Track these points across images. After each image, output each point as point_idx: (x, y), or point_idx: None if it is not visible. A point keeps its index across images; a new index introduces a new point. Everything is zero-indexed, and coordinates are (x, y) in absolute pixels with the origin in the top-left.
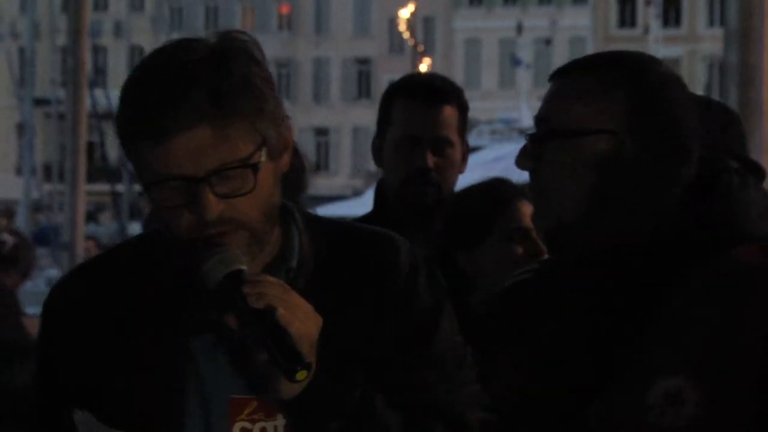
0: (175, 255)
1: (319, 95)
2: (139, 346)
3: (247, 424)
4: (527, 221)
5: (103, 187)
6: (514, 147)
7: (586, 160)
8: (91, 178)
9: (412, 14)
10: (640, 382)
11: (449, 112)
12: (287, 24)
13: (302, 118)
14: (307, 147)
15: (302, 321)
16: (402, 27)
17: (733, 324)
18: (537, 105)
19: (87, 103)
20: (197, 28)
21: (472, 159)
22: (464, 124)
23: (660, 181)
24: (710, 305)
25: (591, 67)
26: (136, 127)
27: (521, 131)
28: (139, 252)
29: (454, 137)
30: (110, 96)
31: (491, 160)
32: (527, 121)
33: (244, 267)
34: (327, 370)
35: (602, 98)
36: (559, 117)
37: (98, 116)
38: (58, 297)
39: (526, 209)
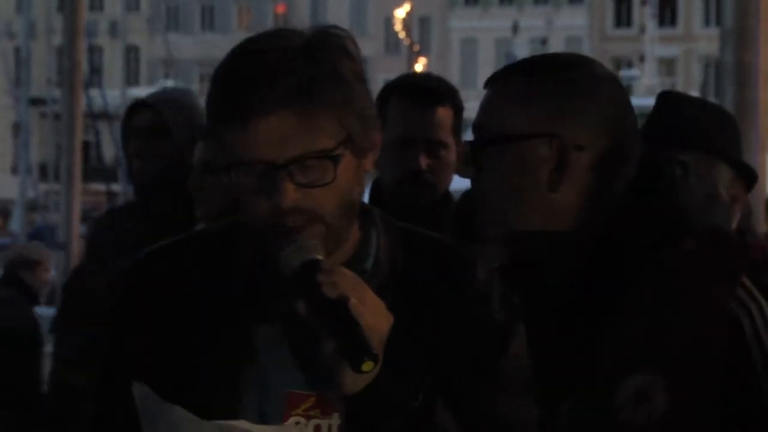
0: (249, 244)
1: None
2: (204, 330)
3: (302, 419)
4: None
5: (99, 186)
6: None
7: (524, 164)
8: (87, 177)
9: (408, 14)
10: (607, 381)
11: (443, 114)
12: (283, 23)
13: None
14: None
15: (373, 315)
16: (398, 27)
17: (681, 314)
18: None
19: (83, 102)
20: (193, 28)
21: None
22: (459, 124)
23: (599, 181)
24: (660, 298)
25: (524, 71)
26: (221, 108)
27: None
28: (218, 238)
29: (449, 139)
30: (106, 96)
31: None
32: None
33: (320, 257)
34: (391, 371)
35: (536, 101)
36: (495, 123)
37: (94, 116)
38: (133, 275)
39: None
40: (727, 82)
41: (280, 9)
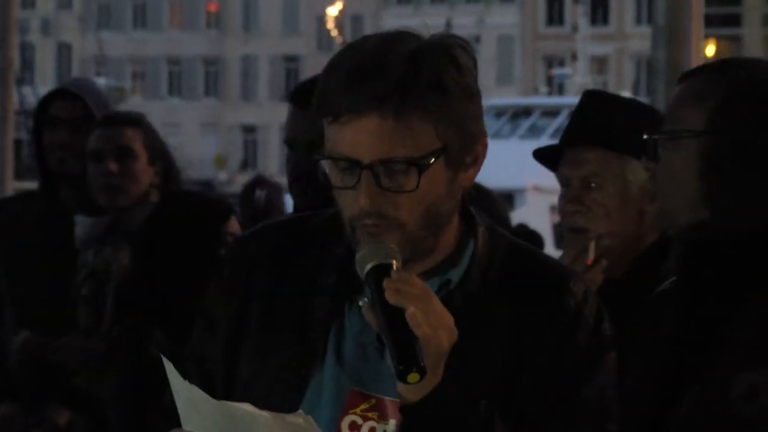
0: (346, 235)
1: (247, 93)
2: (287, 312)
3: (358, 419)
4: None
5: (32, 185)
6: None
7: (692, 160)
8: (19, 175)
9: (341, 12)
10: (725, 376)
11: None
12: (215, 22)
13: (230, 115)
14: (235, 144)
15: (433, 328)
16: (330, 25)
17: None
18: None
19: (14, 100)
20: (125, 26)
21: None
22: None
23: (760, 180)
24: None
25: (701, 71)
26: (322, 101)
27: None
28: (323, 225)
29: None
30: (38, 93)
31: None
32: None
33: (395, 263)
34: (452, 385)
35: (705, 100)
36: (670, 119)
37: (26, 113)
38: (239, 245)
39: None
40: (659, 80)
41: (213, 7)
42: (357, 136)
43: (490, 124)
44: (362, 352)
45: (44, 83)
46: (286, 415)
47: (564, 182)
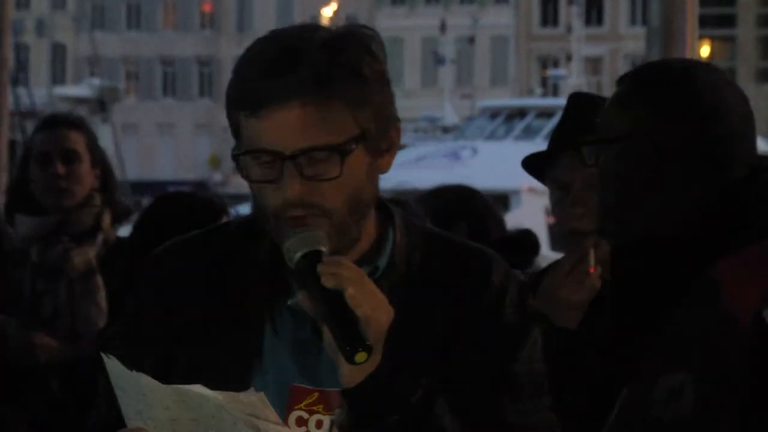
0: (265, 238)
1: None
2: (217, 322)
3: (304, 414)
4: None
5: None
6: (437, 145)
7: (620, 164)
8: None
9: (335, 13)
10: (649, 377)
11: None
12: (209, 22)
13: (224, 116)
14: (230, 145)
15: (372, 307)
16: None
17: (714, 319)
18: (460, 103)
19: (9, 101)
20: (119, 26)
21: (396, 157)
22: None
23: (687, 184)
24: (701, 301)
25: (633, 77)
26: (237, 96)
27: (444, 129)
28: (240, 231)
29: None
30: (32, 94)
31: (414, 158)
32: (450, 119)
33: (324, 249)
34: (391, 366)
35: (642, 106)
36: (603, 124)
37: (21, 114)
38: (151, 267)
39: None
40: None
41: (207, 8)
42: (277, 128)
43: (484, 125)
44: (299, 348)
45: (38, 84)
46: (239, 394)
47: (561, 186)
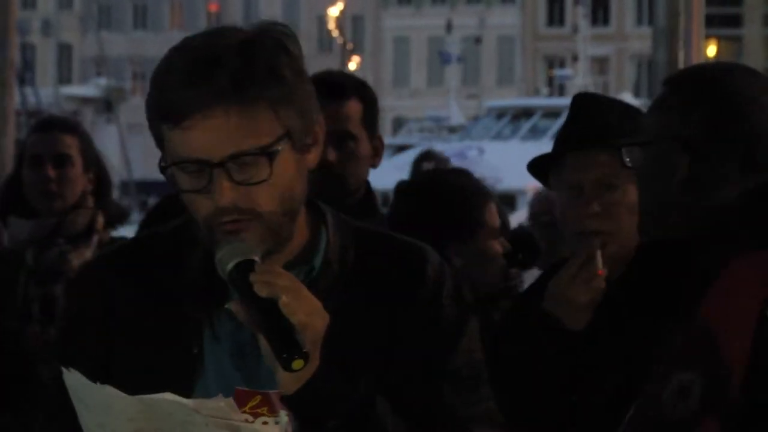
0: (199, 243)
1: None
2: (156, 329)
3: (249, 417)
4: (498, 220)
5: None
6: (443, 145)
7: (656, 164)
8: None
9: (341, 12)
10: (662, 376)
11: (350, 106)
12: (216, 22)
13: None
14: None
15: (307, 314)
16: (331, 25)
17: (722, 319)
18: (466, 103)
19: (15, 100)
20: (125, 26)
21: (403, 157)
22: (372, 118)
23: (717, 184)
24: (710, 300)
25: (671, 81)
26: (158, 108)
27: (450, 129)
28: (170, 239)
29: (357, 131)
30: (38, 93)
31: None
32: (456, 118)
33: (256, 258)
34: (331, 369)
35: (676, 107)
36: (643, 125)
37: (27, 114)
38: (85, 276)
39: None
40: (660, 81)
41: (213, 8)
42: (203, 136)
43: (491, 125)
44: (239, 351)
45: (45, 84)
46: (207, 400)
47: (572, 186)
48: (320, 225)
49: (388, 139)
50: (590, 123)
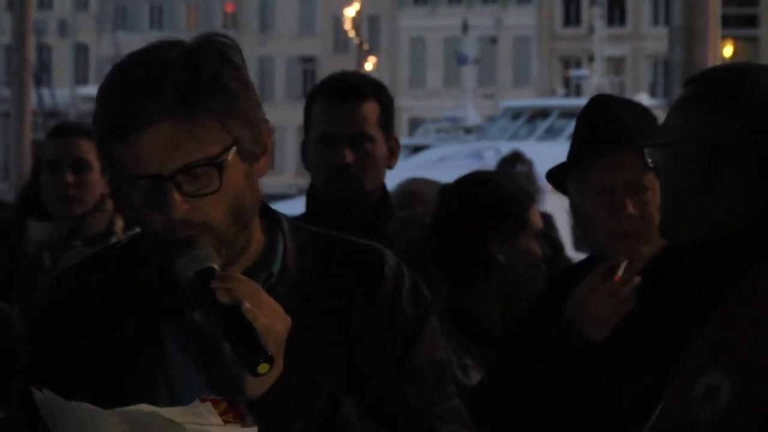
0: (153, 255)
1: (264, 94)
2: (115, 343)
3: (223, 421)
4: (540, 223)
5: None
6: (459, 146)
7: (679, 165)
8: None
9: (358, 13)
10: (690, 376)
11: (367, 108)
12: (232, 23)
13: None
14: None
15: (269, 318)
16: (347, 26)
17: (760, 321)
18: (482, 103)
19: (32, 101)
20: (142, 26)
21: (419, 158)
22: (388, 119)
23: (740, 185)
24: (748, 302)
25: (693, 81)
26: (104, 125)
27: (467, 130)
28: (123, 253)
29: (375, 132)
30: (55, 94)
31: (437, 159)
32: (473, 119)
33: (215, 266)
34: (295, 373)
35: (698, 107)
36: (665, 126)
37: (43, 114)
38: (43, 297)
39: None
40: (676, 81)
41: (229, 8)
42: (150, 151)
43: (506, 125)
44: (201, 360)
45: (61, 84)
46: (183, 408)
47: (602, 190)
48: (276, 231)
49: (404, 140)
50: (617, 124)
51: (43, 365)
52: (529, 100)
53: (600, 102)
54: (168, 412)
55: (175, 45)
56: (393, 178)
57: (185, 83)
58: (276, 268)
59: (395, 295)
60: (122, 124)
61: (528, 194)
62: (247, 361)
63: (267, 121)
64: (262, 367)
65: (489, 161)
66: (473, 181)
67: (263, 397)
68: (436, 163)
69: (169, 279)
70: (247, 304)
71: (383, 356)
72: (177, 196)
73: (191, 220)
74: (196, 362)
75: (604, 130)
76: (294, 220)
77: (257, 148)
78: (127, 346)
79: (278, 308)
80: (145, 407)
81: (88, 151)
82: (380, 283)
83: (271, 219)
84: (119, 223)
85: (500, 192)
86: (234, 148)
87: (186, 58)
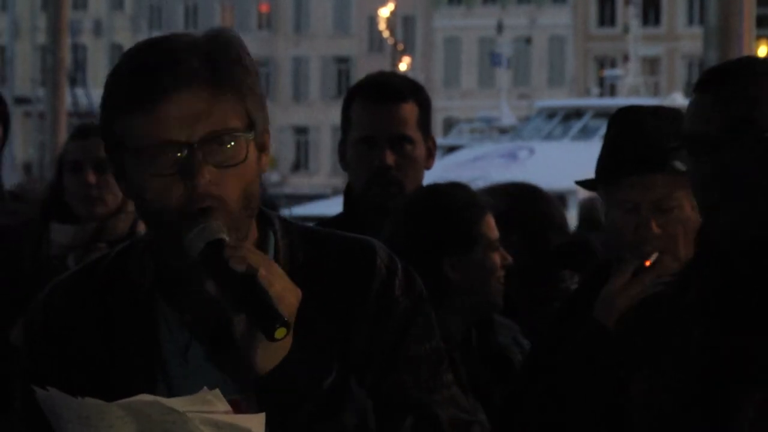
0: (151, 256)
1: (298, 94)
2: (113, 349)
3: (230, 409)
4: (496, 233)
5: None
6: (493, 146)
7: (715, 166)
8: None
9: (392, 13)
10: (743, 393)
11: (407, 109)
12: (267, 23)
13: (282, 116)
14: (287, 145)
15: (282, 287)
16: (382, 26)
17: None
18: (516, 104)
19: (67, 101)
20: (177, 26)
21: (452, 158)
22: (427, 120)
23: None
24: None
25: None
26: (128, 94)
27: (501, 130)
28: (116, 261)
29: (414, 134)
30: (90, 94)
31: (471, 159)
32: (507, 119)
33: (225, 236)
34: (299, 356)
35: (732, 104)
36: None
37: (78, 115)
38: (37, 309)
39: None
40: None
41: (264, 8)
42: (177, 117)
43: (541, 125)
44: (189, 364)
45: (96, 84)
46: (187, 397)
47: (628, 208)
48: (267, 229)
49: (438, 140)
50: (646, 144)
51: (42, 373)
52: (563, 100)
53: (629, 117)
54: (171, 401)
55: (190, 33)
56: (427, 178)
57: (212, 54)
58: None
59: (388, 287)
60: (150, 91)
61: (480, 207)
62: (264, 326)
63: (268, 122)
64: (280, 332)
65: (523, 161)
66: (422, 199)
67: (272, 375)
68: (471, 162)
69: (170, 276)
70: (262, 271)
71: (379, 347)
72: (203, 165)
73: (211, 193)
74: (206, 337)
75: (632, 152)
76: (284, 218)
77: (264, 140)
78: (125, 352)
79: (289, 280)
80: (147, 397)
81: None
82: (373, 275)
83: (263, 216)
84: (142, 225)
85: (449, 209)
86: (252, 131)
87: (206, 38)
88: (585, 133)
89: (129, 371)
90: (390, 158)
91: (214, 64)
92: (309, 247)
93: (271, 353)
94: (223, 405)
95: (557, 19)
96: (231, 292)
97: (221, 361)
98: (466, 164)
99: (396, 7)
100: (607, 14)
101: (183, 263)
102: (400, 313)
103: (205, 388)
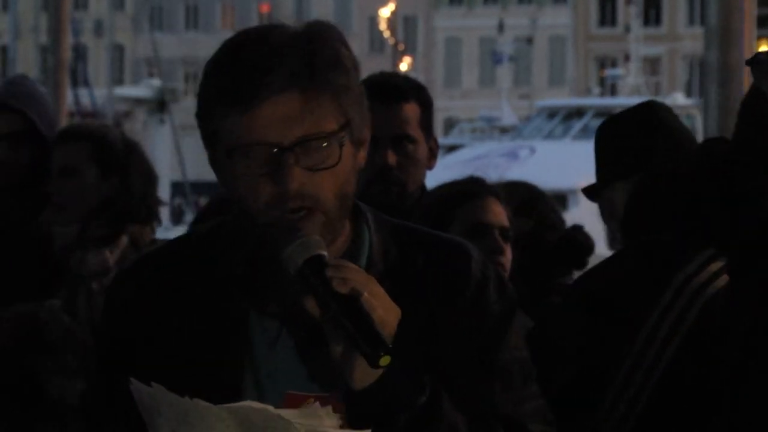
0: (243, 243)
1: None
2: (200, 334)
3: (339, 423)
4: (489, 217)
5: None
6: (494, 145)
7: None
8: None
9: (393, 13)
10: None
11: (409, 109)
12: (267, 23)
13: None
14: None
15: (384, 310)
16: (382, 26)
17: None
18: (518, 103)
19: (68, 101)
20: (177, 27)
21: (453, 157)
22: (429, 120)
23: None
24: None
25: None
26: (225, 93)
27: (502, 129)
28: (207, 240)
29: (416, 134)
30: (94, 94)
31: (472, 158)
32: (508, 119)
33: (325, 252)
34: (397, 367)
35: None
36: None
37: (81, 115)
38: (122, 284)
39: (493, 207)
40: (711, 81)
41: (265, 8)
42: (272, 119)
43: (542, 125)
44: (289, 354)
45: (97, 84)
46: (303, 409)
47: (614, 216)
48: (362, 224)
49: (439, 140)
50: (643, 151)
51: (125, 359)
52: (564, 99)
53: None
54: (282, 412)
55: (287, 25)
56: (428, 178)
57: (309, 55)
58: (363, 261)
59: (482, 292)
60: (246, 91)
61: (459, 193)
62: (368, 353)
63: (369, 114)
64: (384, 360)
65: (524, 160)
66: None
67: (370, 389)
68: (471, 162)
69: (266, 266)
70: (365, 295)
71: (471, 353)
72: (295, 168)
73: (304, 193)
74: (302, 351)
75: (630, 158)
76: (378, 213)
77: (363, 136)
78: (214, 338)
79: (390, 300)
80: (255, 404)
81: (77, 155)
82: (467, 281)
83: (356, 210)
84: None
85: (428, 196)
86: (348, 129)
87: (307, 34)
88: (586, 133)
89: (217, 357)
90: (392, 158)
91: (312, 66)
92: (401, 245)
93: (369, 372)
94: (331, 421)
95: (558, 19)
96: (333, 314)
97: (311, 358)
98: (467, 163)
99: (397, 7)
100: (608, 14)
101: (279, 271)
102: (493, 319)
103: (311, 399)
